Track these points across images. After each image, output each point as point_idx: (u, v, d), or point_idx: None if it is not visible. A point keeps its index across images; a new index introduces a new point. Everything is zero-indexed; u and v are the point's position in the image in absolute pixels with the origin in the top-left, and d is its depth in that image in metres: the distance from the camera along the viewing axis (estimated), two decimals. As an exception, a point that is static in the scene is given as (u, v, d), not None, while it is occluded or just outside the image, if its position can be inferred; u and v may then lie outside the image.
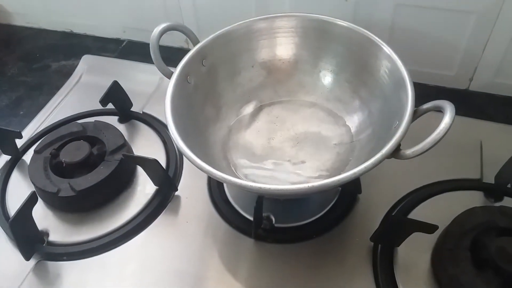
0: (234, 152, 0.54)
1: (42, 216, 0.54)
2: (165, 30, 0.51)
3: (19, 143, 0.62)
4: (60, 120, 0.66)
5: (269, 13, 0.56)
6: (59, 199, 0.53)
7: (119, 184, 0.56)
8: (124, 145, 0.57)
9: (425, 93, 0.65)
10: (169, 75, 0.50)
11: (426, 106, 0.43)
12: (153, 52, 0.50)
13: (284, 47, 0.57)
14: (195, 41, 0.54)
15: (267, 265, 0.48)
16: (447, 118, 0.38)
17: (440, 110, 0.40)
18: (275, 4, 0.66)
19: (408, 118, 0.41)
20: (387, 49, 0.48)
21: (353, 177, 0.38)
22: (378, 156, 0.39)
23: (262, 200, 0.47)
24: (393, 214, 0.51)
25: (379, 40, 0.49)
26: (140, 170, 0.57)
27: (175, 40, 0.77)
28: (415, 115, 0.42)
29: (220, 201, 0.54)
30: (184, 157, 0.55)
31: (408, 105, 0.42)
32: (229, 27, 0.55)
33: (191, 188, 0.56)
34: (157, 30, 0.51)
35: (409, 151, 0.40)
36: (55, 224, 0.54)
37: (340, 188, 0.53)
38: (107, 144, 0.57)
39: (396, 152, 0.40)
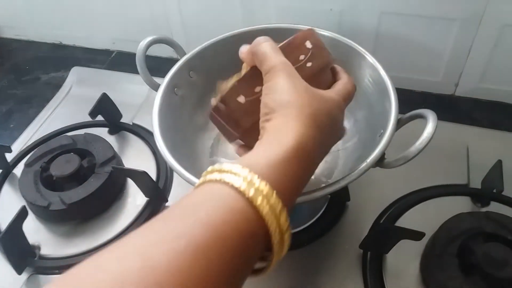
0: (223, 162, 0.54)
1: (34, 230, 0.54)
2: (151, 43, 0.52)
3: (10, 156, 0.63)
4: (50, 133, 0.66)
5: (255, 24, 0.56)
6: (50, 213, 0.53)
7: (109, 196, 0.56)
8: (114, 157, 0.58)
9: (411, 99, 0.66)
10: (156, 88, 0.51)
11: (409, 114, 0.43)
12: (140, 65, 0.51)
13: (270, 58, 0.58)
14: (182, 53, 0.55)
15: (258, 274, 0.48)
16: (430, 127, 0.39)
17: (423, 118, 0.41)
18: (261, 15, 0.67)
19: (391, 127, 0.41)
20: (370, 59, 0.49)
21: (339, 187, 0.38)
22: (362, 166, 0.39)
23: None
24: (381, 221, 0.51)
25: (362, 49, 0.50)
26: (130, 181, 0.58)
27: (164, 50, 0.77)
28: (399, 124, 0.43)
29: (210, 211, 0.54)
30: (173, 169, 0.55)
31: (391, 115, 0.43)
32: (215, 38, 0.55)
33: (182, 198, 0.56)
34: (143, 43, 0.51)
35: (392, 161, 0.40)
36: (47, 238, 0.54)
37: (329, 196, 0.54)
38: (97, 156, 0.58)
39: (380, 162, 0.41)
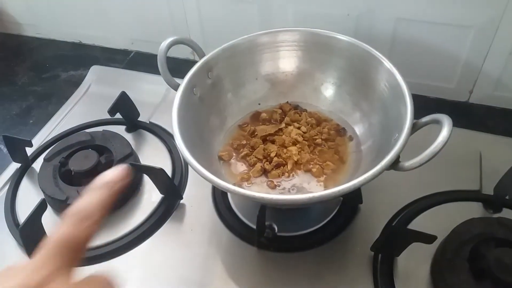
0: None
1: (51, 223, 0.55)
2: (172, 43, 0.53)
3: (29, 151, 0.64)
4: (69, 129, 0.68)
5: (272, 27, 0.57)
6: (68, 207, 0.54)
7: (125, 192, 0.57)
8: (131, 154, 0.59)
9: (425, 105, 0.66)
10: (175, 87, 0.52)
11: (425, 119, 0.44)
12: (161, 65, 0.52)
13: (287, 61, 0.59)
14: (201, 55, 0.56)
15: (270, 273, 0.49)
16: (445, 132, 0.39)
17: (438, 123, 0.42)
18: (278, 19, 0.68)
19: (407, 131, 0.42)
20: (387, 64, 0.49)
21: (353, 189, 0.39)
22: (377, 168, 0.40)
23: (265, 209, 0.48)
24: (393, 224, 0.52)
25: (380, 54, 0.51)
26: (146, 178, 0.59)
27: (181, 52, 0.78)
28: (414, 128, 0.43)
29: (224, 210, 0.55)
30: (189, 166, 0.56)
31: (407, 119, 0.43)
32: (234, 40, 0.56)
33: (196, 196, 0.57)
34: (164, 44, 0.52)
35: (407, 164, 0.41)
36: (63, 231, 0.55)
37: (341, 198, 0.54)
38: (114, 153, 0.59)
39: (395, 164, 0.41)
